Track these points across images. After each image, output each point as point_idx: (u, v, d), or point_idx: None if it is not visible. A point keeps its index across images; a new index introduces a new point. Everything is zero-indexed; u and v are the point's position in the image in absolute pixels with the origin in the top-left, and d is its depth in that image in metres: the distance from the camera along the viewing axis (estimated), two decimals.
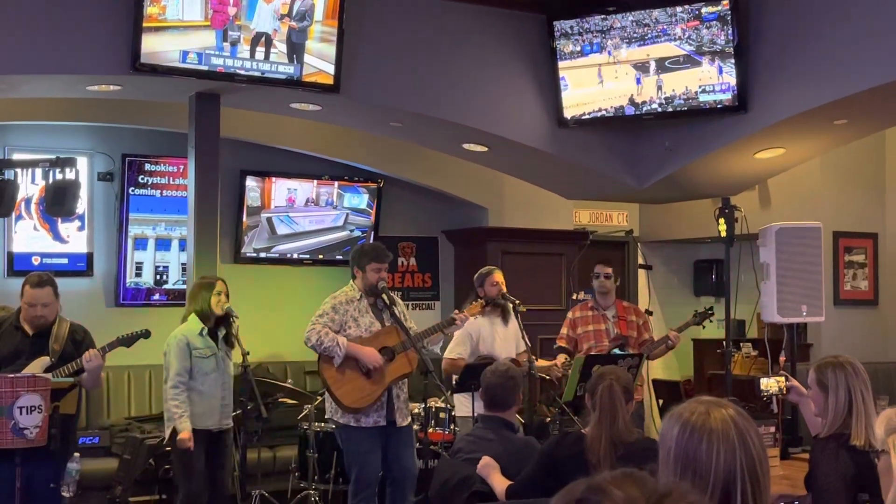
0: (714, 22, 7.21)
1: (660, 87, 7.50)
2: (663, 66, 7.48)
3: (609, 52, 7.62)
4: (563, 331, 7.15)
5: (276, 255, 8.94)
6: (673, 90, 7.46)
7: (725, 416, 2.07)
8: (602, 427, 3.95)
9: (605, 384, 4.02)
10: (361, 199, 9.29)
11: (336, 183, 9.16)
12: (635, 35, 7.52)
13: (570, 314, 7.23)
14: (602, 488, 1.14)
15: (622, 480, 1.14)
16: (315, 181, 9.05)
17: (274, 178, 8.86)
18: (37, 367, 5.24)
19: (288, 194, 8.94)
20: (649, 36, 7.50)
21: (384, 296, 5.92)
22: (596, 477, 1.16)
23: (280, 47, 6.60)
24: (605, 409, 3.97)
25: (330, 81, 6.73)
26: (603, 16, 7.57)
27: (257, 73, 6.54)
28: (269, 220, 8.86)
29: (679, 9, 7.30)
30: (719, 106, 7.24)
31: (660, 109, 7.49)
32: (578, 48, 7.61)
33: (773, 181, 9.13)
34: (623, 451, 3.88)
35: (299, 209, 8.99)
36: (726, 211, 7.21)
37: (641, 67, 7.58)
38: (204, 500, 5.90)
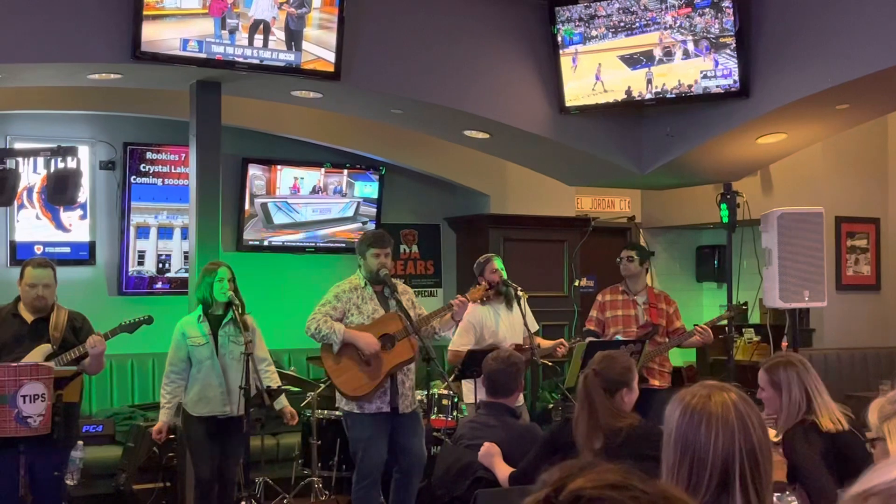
0: (707, 9, 7.10)
1: (649, 81, 7.39)
2: (652, 57, 7.38)
3: (592, 43, 7.48)
4: (593, 313, 7.06)
5: (280, 244, 8.94)
6: (664, 84, 7.36)
7: (726, 400, 2.08)
8: (581, 417, 3.88)
9: (583, 374, 3.95)
10: (374, 188, 9.28)
11: (346, 171, 9.15)
12: (621, 24, 7.34)
13: (599, 297, 7.14)
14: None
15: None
16: (323, 169, 9.05)
17: (280, 167, 8.86)
18: (38, 354, 5.24)
19: (293, 182, 8.93)
20: (637, 25, 7.32)
21: (387, 281, 5.91)
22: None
23: (278, 35, 6.58)
24: (582, 400, 3.89)
25: (330, 69, 6.72)
26: (586, 3, 7.42)
27: (256, 61, 6.53)
28: (263, 206, 8.83)
29: None
30: (721, 91, 7.21)
31: (654, 103, 7.42)
32: (560, 39, 7.53)
33: (774, 166, 9.12)
34: (622, 438, 3.83)
35: (302, 197, 8.98)
36: (728, 197, 7.20)
37: (629, 60, 7.47)
38: (214, 485, 5.92)
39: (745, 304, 7.28)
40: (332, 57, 6.71)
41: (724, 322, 7.30)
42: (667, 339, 6.86)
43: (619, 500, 1.09)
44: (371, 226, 9.10)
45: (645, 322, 6.88)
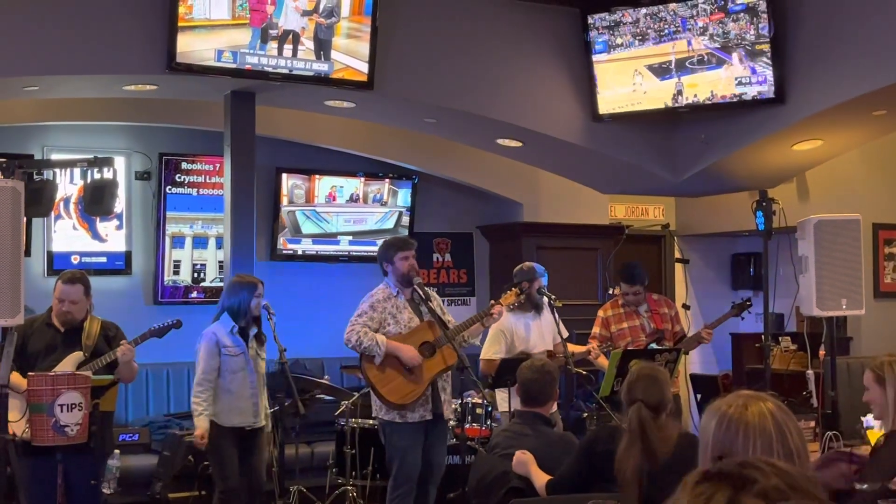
0: (742, 14, 7.02)
1: (679, 92, 7.32)
2: (683, 66, 7.30)
3: (616, 52, 7.37)
4: (596, 330, 7.01)
5: (313, 253, 8.97)
6: (695, 95, 7.29)
7: (763, 410, 2.05)
8: (631, 451, 3.79)
9: (634, 407, 3.81)
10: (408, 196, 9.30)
11: (388, 180, 9.17)
12: (649, 31, 7.26)
13: (601, 313, 7.11)
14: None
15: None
16: (362, 178, 9.07)
17: (318, 176, 8.89)
18: (70, 362, 5.29)
19: (329, 191, 8.96)
20: (666, 32, 7.20)
21: (419, 290, 5.90)
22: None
23: (307, 44, 6.62)
24: (634, 434, 3.79)
25: (361, 78, 6.75)
26: (610, 10, 7.30)
27: (285, 71, 6.56)
28: (291, 214, 8.86)
29: (701, 0, 7.11)
30: (756, 98, 7.16)
31: (689, 111, 7.37)
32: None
33: (810, 173, 9.03)
34: (669, 456, 3.74)
35: (333, 206, 8.99)
36: (764, 204, 7.13)
37: (657, 69, 7.39)
38: (241, 496, 5.91)
39: (749, 300, 7.31)
40: (361, 66, 6.74)
41: (732, 320, 7.34)
42: (671, 343, 6.82)
43: None
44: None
45: (652, 330, 6.87)
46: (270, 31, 6.46)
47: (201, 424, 5.87)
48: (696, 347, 7.26)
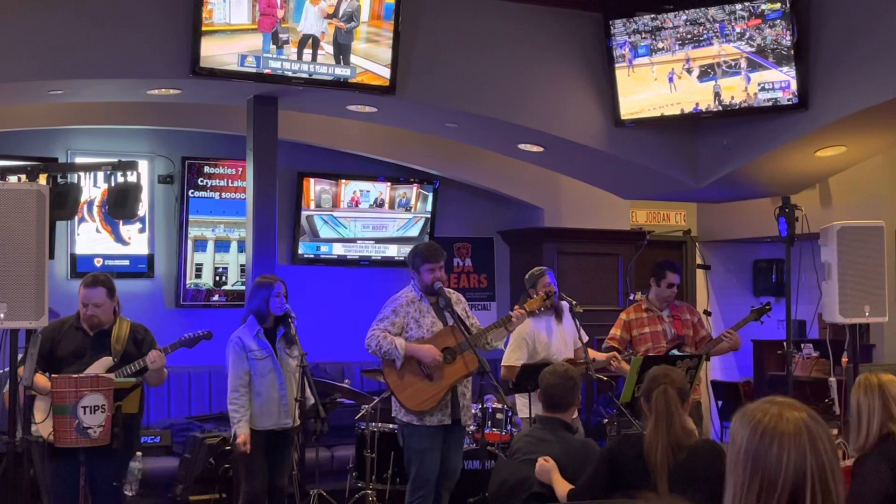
0: (778, 20, 7.03)
1: (717, 94, 7.35)
2: (721, 69, 7.33)
3: (660, 55, 7.45)
4: (616, 332, 6.98)
5: (335, 257, 9.00)
6: (732, 97, 7.31)
7: (798, 419, 2.03)
8: (658, 432, 3.90)
9: (660, 390, 3.94)
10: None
11: (415, 185, 9.19)
12: (689, 36, 7.33)
13: (623, 316, 7.08)
14: None
15: None
16: (389, 182, 9.10)
17: (345, 181, 8.92)
18: (99, 367, 5.30)
19: (352, 196, 8.98)
20: (705, 36, 7.30)
21: (442, 294, 5.89)
22: None
23: (327, 49, 6.64)
24: (661, 415, 3.90)
25: (382, 82, 6.76)
26: (653, 15, 7.41)
27: (306, 75, 6.58)
28: (309, 219, 8.87)
29: (738, 6, 7.15)
30: (779, 104, 7.14)
31: (711, 116, 7.38)
32: (625, 51, 7.50)
33: (833, 179, 9.00)
34: (685, 456, 3.82)
35: (352, 211, 9.01)
36: (786, 210, 7.10)
37: (696, 72, 7.42)
38: (264, 499, 5.92)
39: (769, 304, 7.26)
40: (381, 70, 6.76)
41: (752, 326, 7.27)
42: (694, 350, 6.80)
43: None
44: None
45: (672, 335, 6.84)
46: (281, 36, 6.47)
47: (243, 430, 5.83)
48: (726, 351, 7.19)
